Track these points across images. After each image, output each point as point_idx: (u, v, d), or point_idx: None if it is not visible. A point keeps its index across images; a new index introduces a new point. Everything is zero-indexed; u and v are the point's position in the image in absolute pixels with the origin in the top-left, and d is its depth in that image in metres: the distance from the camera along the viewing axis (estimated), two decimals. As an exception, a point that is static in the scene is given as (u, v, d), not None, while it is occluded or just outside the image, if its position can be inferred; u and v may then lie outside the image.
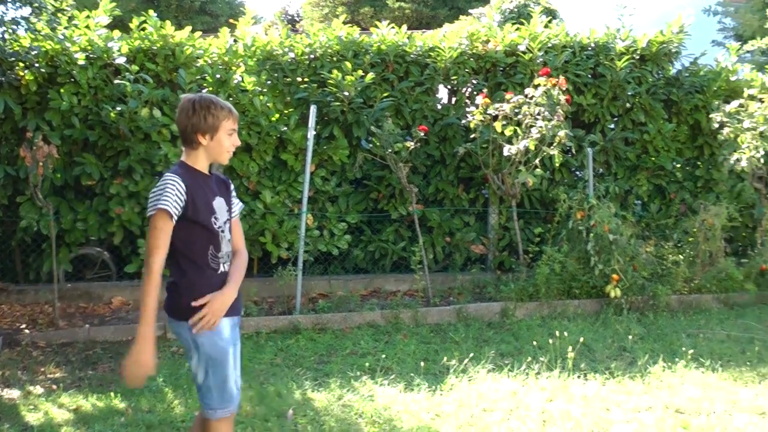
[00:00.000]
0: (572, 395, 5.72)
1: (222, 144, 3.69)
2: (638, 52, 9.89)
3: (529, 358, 6.50)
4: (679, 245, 9.33)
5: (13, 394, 5.78)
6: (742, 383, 6.05)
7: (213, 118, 3.63)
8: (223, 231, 3.72)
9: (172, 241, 3.52)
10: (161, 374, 6.11)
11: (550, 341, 6.72)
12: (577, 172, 9.94)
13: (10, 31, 7.40)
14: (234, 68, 8.85)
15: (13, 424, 5.14)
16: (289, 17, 37.94)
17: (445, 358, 6.52)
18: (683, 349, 6.76)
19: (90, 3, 12.73)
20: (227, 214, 3.80)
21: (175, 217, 3.47)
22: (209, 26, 21.18)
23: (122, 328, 7.49)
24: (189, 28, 8.92)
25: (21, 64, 8.08)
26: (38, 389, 5.88)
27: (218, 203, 3.75)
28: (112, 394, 5.70)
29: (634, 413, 5.39)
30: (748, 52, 20.57)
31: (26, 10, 7.54)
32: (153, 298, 3.42)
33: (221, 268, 3.68)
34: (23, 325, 7.56)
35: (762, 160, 9.22)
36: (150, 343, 3.42)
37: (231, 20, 9.94)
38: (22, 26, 7.52)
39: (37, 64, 8.11)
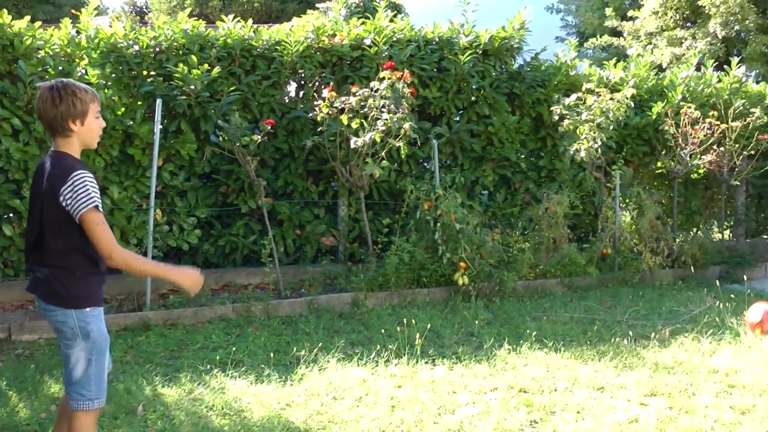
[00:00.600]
0: (420, 381, 5.86)
1: (92, 128, 3.71)
2: (481, 47, 10.12)
3: (379, 347, 6.62)
4: (524, 233, 9.72)
5: None
6: (582, 361, 6.35)
7: (81, 103, 3.60)
8: None
9: (70, 235, 3.58)
10: (5, 377, 5.93)
11: (399, 329, 6.87)
12: (425, 164, 10.12)
13: None
14: (77, 60, 8.62)
15: None
16: (138, 9, 37.13)
17: (296, 349, 6.60)
18: (528, 331, 7.07)
19: None
20: None
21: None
22: (52, 16, 20.43)
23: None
24: (28, 17, 8.60)
25: None
26: None
27: None
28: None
29: (480, 395, 5.57)
30: (589, 48, 21.54)
31: None
32: (148, 265, 3.99)
33: (102, 266, 3.75)
34: None
35: (599, 151, 9.63)
36: (177, 268, 3.81)
37: (74, 11, 9.66)
38: None
39: None
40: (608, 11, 21.05)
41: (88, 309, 3.65)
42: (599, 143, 9.50)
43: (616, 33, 20.90)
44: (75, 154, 3.69)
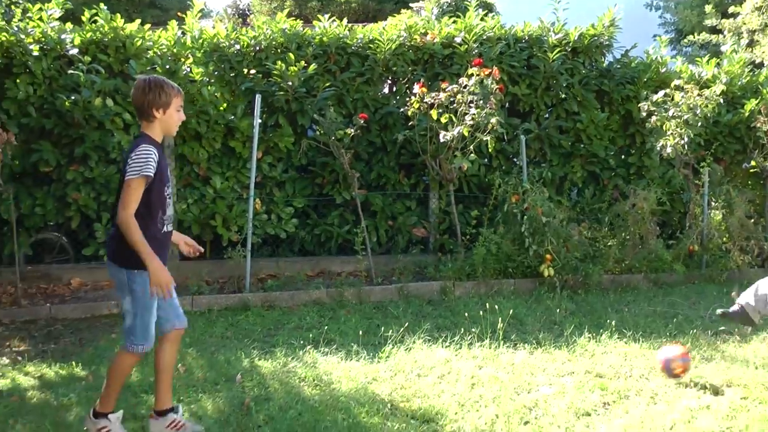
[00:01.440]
0: (501, 362, 6.14)
1: (173, 117, 4.39)
2: (570, 44, 10.30)
3: (463, 330, 6.89)
4: (611, 228, 9.81)
5: (-19, 364, 6.12)
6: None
7: (165, 95, 4.30)
8: (169, 197, 4.46)
9: (143, 201, 4.22)
10: (119, 346, 6.46)
11: (483, 315, 7.12)
12: (513, 159, 10.31)
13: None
14: (183, 60, 9.18)
15: (-18, 389, 5.50)
16: (240, 11, 38.07)
17: (384, 331, 6.95)
18: (609, 322, 7.19)
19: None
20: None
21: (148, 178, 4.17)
22: (159, 19, 21.19)
23: (82, 306, 7.81)
24: (138, 20, 9.22)
25: (-24, 55, 8.37)
26: (4, 360, 6.23)
27: (169, 173, 4.52)
28: (73, 363, 6.05)
29: (557, 377, 5.81)
30: (687, 46, 21.22)
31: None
32: (141, 237, 4.11)
33: (165, 228, 4.43)
34: (-13, 304, 7.89)
35: (686, 147, 9.63)
36: (159, 263, 4.17)
37: (180, 14, 10.24)
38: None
39: (-8, 56, 8.40)
40: (708, 8, 20.61)
41: (135, 271, 4.24)
42: (686, 140, 9.49)
43: (716, 31, 20.43)
44: (154, 136, 4.35)
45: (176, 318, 4.62)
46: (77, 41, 8.78)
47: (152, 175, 4.17)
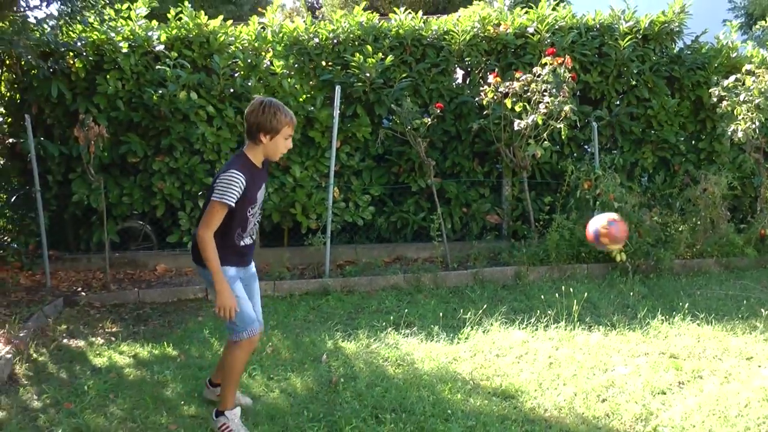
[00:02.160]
0: (576, 344, 6.35)
1: (278, 146, 4.48)
2: (641, 32, 10.36)
3: (539, 313, 7.13)
4: (682, 213, 9.88)
5: (80, 343, 6.51)
6: (733, 334, 6.61)
7: (276, 122, 4.39)
8: (254, 216, 4.60)
9: (225, 222, 4.40)
10: (207, 328, 6.85)
11: (558, 299, 7.34)
12: (585, 146, 10.44)
13: (66, 23, 8.04)
14: (263, 53, 9.51)
15: (84, 366, 5.88)
16: (309, 4, 38.44)
17: (462, 313, 7.18)
18: (681, 305, 7.35)
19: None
20: (263, 196, 4.72)
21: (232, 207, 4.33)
22: (234, 15, 21.64)
23: (168, 290, 8.17)
24: (221, 17, 9.55)
25: (71, 54, 8.78)
26: (99, 340, 6.59)
27: (261, 193, 4.64)
28: (165, 343, 6.41)
29: (631, 358, 6.00)
30: (758, 31, 20.89)
31: (75, 5, 8.13)
32: (215, 258, 4.32)
33: (243, 242, 4.60)
34: (79, 288, 8.30)
35: (758, 132, 9.66)
36: (227, 287, 4.36)
37: (259, 9, 10.57)
38: (77, 20, 8.15)
39: (85, 53, 8.80)
40: (779, -9, 20.39)
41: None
42: (757, 124, 9.49)
43: (790, 14, 20.17)
44: (254, 159, 4.46)
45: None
46: (163, 38, 9.13)
47: (233, 204, 4.29)
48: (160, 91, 8.72)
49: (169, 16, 9.31)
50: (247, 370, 5.67)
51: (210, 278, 4.42)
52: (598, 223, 6.05)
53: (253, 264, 4.87)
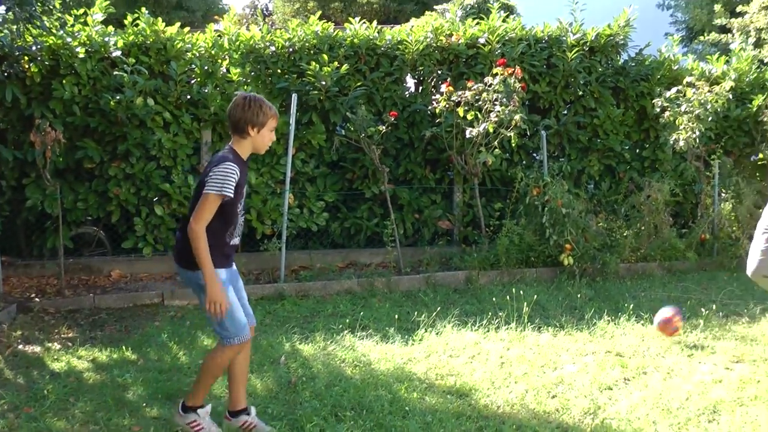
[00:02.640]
0: (527, 344, 6.57)
1: (265, 138, 4.52)
2: (588, 44, 10.66)
3: (490, 315, 7.33)
4: (627, 219, 10.18)
5: (36, 349, 6.53)
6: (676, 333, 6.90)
7: (263, 116, 4.44)
8: (241, 213, 4.59)
9: (217, 215, 4.34)
10: (165, 332, 6.92)
11: (508, 301, 7.52)
12: (534, 154, 10.67)
13: (22, 28, 8.04)
14: (220, 61, 9.61)
15: (41, 371, 5.92)
16: (259, 11, 38.42)
17: (416, 316, 7.37)
18: (626, 306, 7.62)
19: (78, 1, 13.47)
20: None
21: (226, 198, 4.28)
22: (186, 21, 21.66)
23: (123, 296, 8.21)
24: (178, 24, 9.62)
25: (26, 58, 8.76)
26: (56, 345, 6.62)
27: (245, 186, 4.60)
28: (123, 347, 6.46)
29: (579, 356, 6.25)
30: (698, 45, 21.52)
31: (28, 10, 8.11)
32: (206, 252, 4.23)
33: (233, 241, 4.56)
34: (33, 295, 8.29)
35: (698, 141, 10.01)
36: (219, 283, 4.27)
37: (216, 17, 10.67)
38: (36, 24, 8.15)
39: (40, 58, 8.78)
40: (717, 7, 20.88)
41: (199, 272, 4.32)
42: (698, 133, 9.85)
43: (725, 30, 20.71)
44: (242, 153, 4.47)
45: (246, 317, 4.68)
46: (120, 44, 9.15)
47: (231, 195, 4.26)
48: (117, 97, 8.75)
49: (126, 22, 9.33)
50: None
51: (196, 280, 4.38)
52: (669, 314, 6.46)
53: (234, 263, 4.79)
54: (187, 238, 4.30)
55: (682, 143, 9.92)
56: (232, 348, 4.56)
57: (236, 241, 4.61)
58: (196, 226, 4.25)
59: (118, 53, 9.05)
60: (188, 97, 9.22)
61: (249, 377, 5.64)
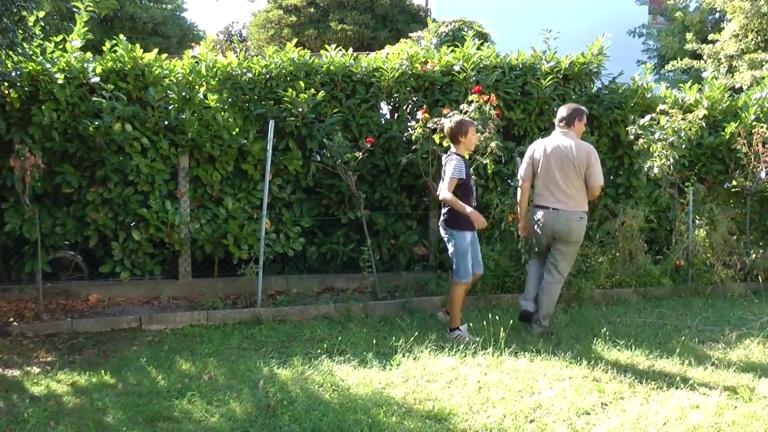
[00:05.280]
0: (504, 369, 6.64)
1: (471, 139, 7.90)
2: (562, 72, 10.75)
3: (467, 340, 7.41)
4: (602, 245, 10.29)
5: (15, 372, 6.52)
6: (651, 358, 7.01)
7: (465, 126, 7.85)
8: (473, 189, 7.92)
9: (455, 191, 7.62)
10: (143, 356, 6.93)
11: (485, 327, 7.59)
12: (509, 180, 10.69)
13: (3, 55, 8.05)
14: (198, 87, 9.63)
15: (21, 395, 5.91)
16: (231, 37, 38.57)
17: (393, 341, 7.42)
18: (603, 331, 7.68)
19: (57, 27, 13.49)
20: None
21: (460, 180, 7.60)
22: (161, 47, 21.71)
23: (101, 320, 8.18)
24: (156, 50, 9.64)
25: (5, 84, 8.74)
26: (35, 369, 6.60)
27: (470, 173, 7.97)
28: (102, 371, 6.46)
29: (557, 381, 6.32)
30: (670, 71, 21.76)
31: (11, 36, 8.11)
32: (461, 203, 7.56)
33: (471, 207, 7.65)
34: (11, 319, 8.24)
35: (672, 168, 10.13)
36: (475, 211, 7.60)
37: (192, 43, 10.71)
38: (18, 51, 8.16)
39: (20, 84, 8.77)
40: (689, 35, 21.12)
41: (454, 230, 7.75)
42: (672, 161, 9.96)
43: (697, 56, 20.94)
44: (461, 152, 7.85)
45: (476, 266, 7.99)
46: (98, 70, 9.14)
47: (463, 177, 7.65)
48: (96, 123, 8.75)
49: (104, 48, 9.36)
50: (186, 396, 5.82)
51: (449, 235, 7.82)
52: None
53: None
54: (445, 207, 7.81)
55: (656, 170, 10.05)
56: (461, 286, 7.78)
57: (473, 206, 7.77)
58: (448, 193, 7.58)
59: (97, 79, 9.03)
60: (166, 122, 9.22)
61: (228, 401, 5.75)
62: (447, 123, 7.90)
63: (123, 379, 6.33)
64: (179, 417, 5.46)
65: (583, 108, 8.27)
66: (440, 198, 7.69)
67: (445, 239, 7.89)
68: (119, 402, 5.73)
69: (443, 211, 7.85)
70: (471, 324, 8.09)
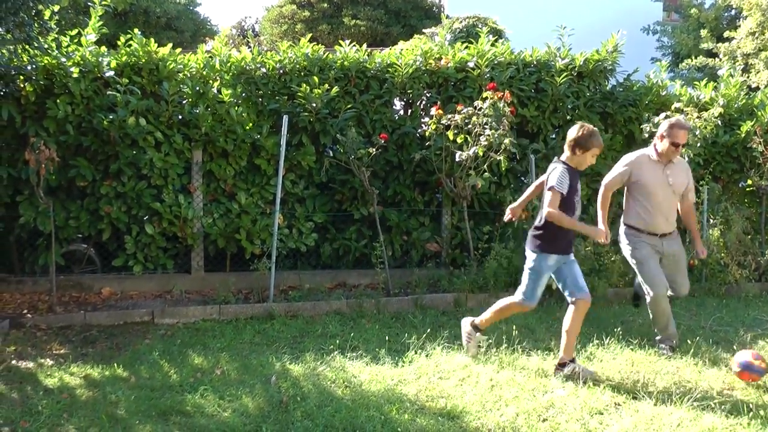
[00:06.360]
0: (516, 367, 6.64)
1: (584, 159, 6.46)
2: (576, 69, 10.75)
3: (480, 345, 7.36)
4: (615, 244, 10.26)
5: (29, 364, 6.57)
6: (665, 358, 6.99)
7: (589, 143, 6.35)
8: (578, 203, 6.53)
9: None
10: (156, 350, 6.96)
11: (498, 325, 7.53)
12: (522, 178, 10.70)
13: (20, 49, 8.08)
14: (212, 82, 9.63)
15: (35, 387, 5.95)
16: (244, 32, 38.61)
17: (405, 338, 7.40)
18: (616, 330, 7.66)
19: (72, 22, 13.53)
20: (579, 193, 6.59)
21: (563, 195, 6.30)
22: (175, 41, 21.69)
23: (114, 313, 8.25)
24: (170, 45, 9.64)
25: (21, 77, 8.79)
26: (48, 361, 6.65)
27: (579, 186, 6.58)
28: (115, 365, 6.49)
29: (570, 381, 6.28)
30: (684, 69, 21.65)
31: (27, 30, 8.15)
32: (569, 219, 6.35)
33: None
34: (25, 311, 8.31)
35: (687, 166, 10.11)
36: (589, 226, 6.74)
37: (205, 38, 10.73)
38: (34, 45, 8.20)
39: (35, 78, 8.82)
40: (703, 33, 21.00)
41: (533, 252, 6.53)
42: (686, 159, 9.92)
43: (712, 54, 20.79)
44: (571, 164, 6.44)
45: (576, 290, 6.52)
46: (113, 64, 9.17)
47: (565, 192, 6.31)
48: (110, 117, 8.78)
49: (119, 42, 9.37)
50: (199, 390, 5.85)
51: (528, 255, 6.60)
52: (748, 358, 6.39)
53: (572, 254, 6.71)
54: (535, 226, 6.64)
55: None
56: (520, 306, 6.73)
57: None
58: (551, 210, 6.29)
59: (111, 73, 9.08)
60: (180, 117, 9.25)
61: (240, 396, 5.75)
62: (576, 127, 6.41)
63: (136, 373, 6.36)
64: (192, 411, 5.47)
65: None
66: (544, 215, 6.41)
67: (527, 257, 6.71)
68: (132, 395, 5.76)
69: (535, 227, 6.66)
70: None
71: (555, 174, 6.33)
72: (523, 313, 8.36)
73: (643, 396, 5.95)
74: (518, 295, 6.67)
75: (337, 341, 7.35)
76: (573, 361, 6.44)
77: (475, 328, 6.98)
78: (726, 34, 20.13)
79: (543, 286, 6.61)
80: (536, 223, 6.63)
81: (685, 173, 7.53)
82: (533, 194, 7.21)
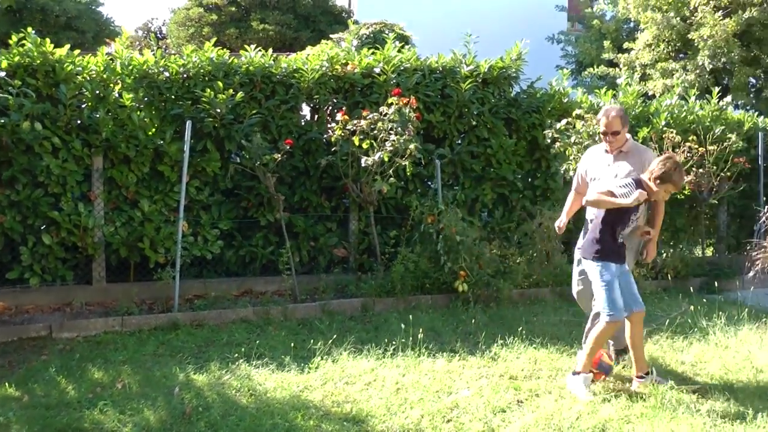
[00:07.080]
0: (422, 370, 6.65)
1: (652, 191, 5.97)
2: (481, 76, 10.88)
3: (386, 341, 7.34)
4: (520, 246, 10.43)
5: None
6: (566, 355, 7.17)
7: (670, 177, 5.94)
8: (633, 222, 6.22)
9: (605, 217, 6.11)
10: (52, 366, 6.68)
11: (404, 328, 7.52)
12: (428, 183, 10.78)
13: None
14: (112, 85, 9.37)
15: None
16: (150, 34, 38.03)
17: (312, 344, 7.33)
18: (520, 330, 7.79)
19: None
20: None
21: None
22: (75, 41, 21.20)
23: (7, 329, 7.82)
24: (68, 45, 9.35)
25: None
26: (-67, 382, 6.32)
27: (642, 208, 6.29)
28: (6, 384, 6.18)
29: (474, 381, 6.38)
30: (587, 78, 22.27)
31: None
32: (607, 199, 5.93)
33: (619, 240, 6.19)
34: None
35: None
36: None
37: (107, 39, 10.47)
38: None
39: None
40: (606, 44, 21.71)
41: (592, 261, 6.16)
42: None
43: (613, 64, 21.49)
44: (644, 180, 6.04)
45: (632, 303, 6.15)
46: (4, 65, 8.82)
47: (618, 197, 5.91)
48: (2, 120, 8.45)
49: (10, 41, 9.02)
50: (98, 406, 5.67)
51: (589, 266, 6.23)
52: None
53: (626, 264, 6.34)
54: (587, 235, 6.39)
55: (572, 173, 10.17)
56: (610, 325, 6.02)
57: (620, 240, 6.22)
58: (594, 196, 6.08)
59: (2, 74, 8.73)
60: (78, 121, 8.98)
61: (141, 409, 5.60)
62: (659, 159, 5.98)
63: (29, 391, 6.07)
64: (90, 428, 5.30)
65: None
66: (584, 201, 6.24)
67: (586, 270, 6.43)
68: (24, 415, 5.50)
69: (587, 230, 6.55)
70: (390, 326, 8.11)
71: (621, 182, 6.04)
72: (429, 316, 8.48)
73: (545, 392, 6.08)
74: (603, 317, 6.03)
75: (243, 349, 7.23)
76: (648, 374, 6.26)
77: (578, 373, 6.17)
78: (625, 45, 20.89)
79: (619, 291, 6.05)
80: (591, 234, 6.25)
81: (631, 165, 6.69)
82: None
